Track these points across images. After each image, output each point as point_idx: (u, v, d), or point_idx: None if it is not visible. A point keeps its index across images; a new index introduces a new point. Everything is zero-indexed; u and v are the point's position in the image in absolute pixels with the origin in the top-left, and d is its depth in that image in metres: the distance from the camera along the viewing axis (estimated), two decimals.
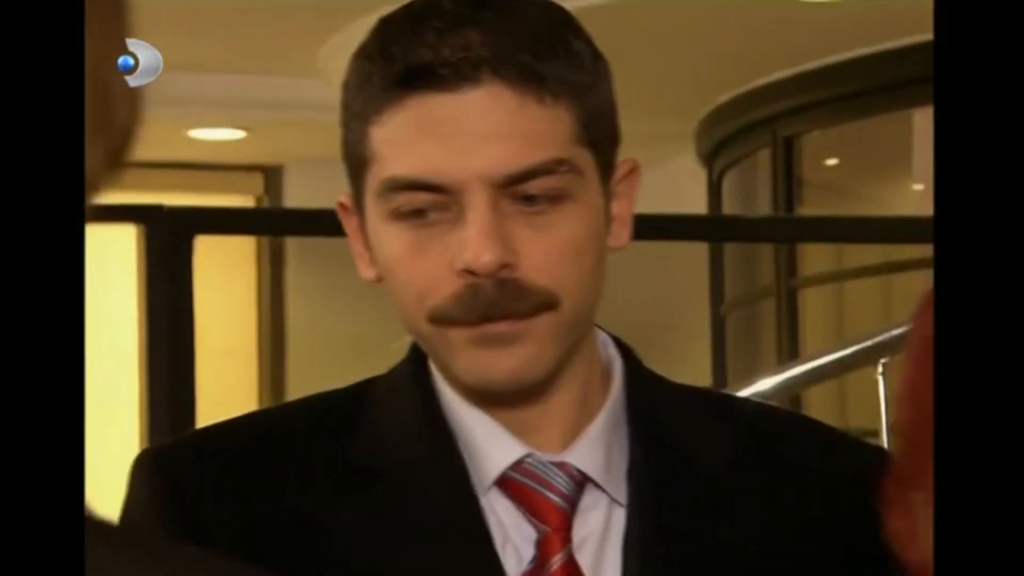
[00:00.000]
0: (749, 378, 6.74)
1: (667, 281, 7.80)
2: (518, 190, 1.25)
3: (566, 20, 1.30)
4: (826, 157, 7.61)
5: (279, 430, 1.37)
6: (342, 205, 1.34)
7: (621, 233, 1.33)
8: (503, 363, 1.26)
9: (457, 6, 1.26)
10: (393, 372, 1.37)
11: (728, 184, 7.86)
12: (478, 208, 1.24)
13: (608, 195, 1.31)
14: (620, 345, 1.38)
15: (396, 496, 1.31)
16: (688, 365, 7.69)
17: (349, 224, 1.34)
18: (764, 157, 7.42)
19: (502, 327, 1.25)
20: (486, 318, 1.25)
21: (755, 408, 1.52)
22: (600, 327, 1.36)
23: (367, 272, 1.33)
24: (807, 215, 7.24)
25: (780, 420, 1.47)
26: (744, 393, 2.90)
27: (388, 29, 1.28)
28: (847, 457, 1.40)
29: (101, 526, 0.67)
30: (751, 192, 7.66)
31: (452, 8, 1.26)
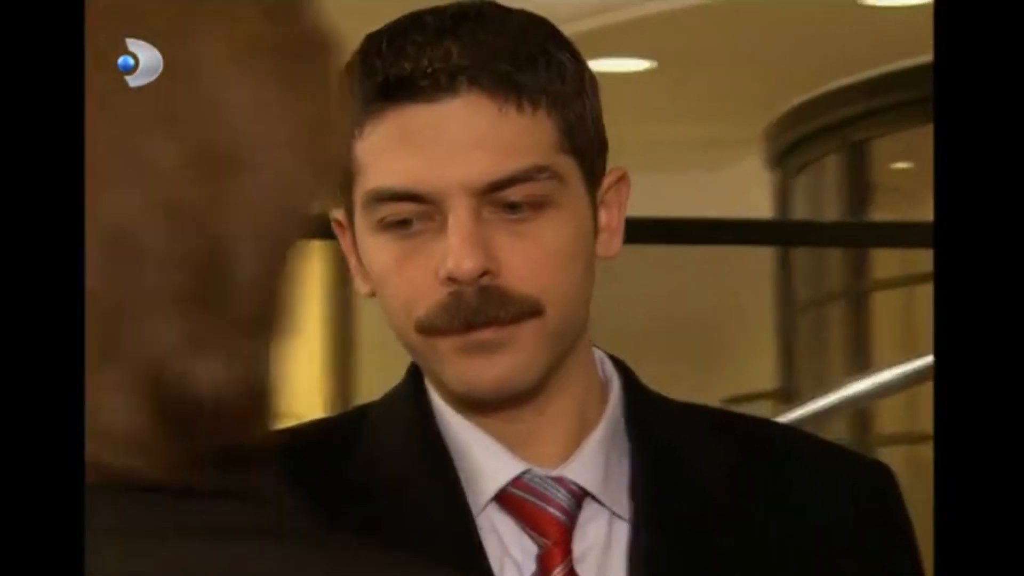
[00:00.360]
0: (817, 381, 6.70)
1: (734, 286, 7.77)
2: (499, 197, 1.26)
3: (548, 31, 1.31)
4: (896, 161, 7.57)
5: (279, 452, 1.37)
6: (336, 221, 1.35)
7: (610, 242, 1.34)
8: (490, 371, 1.27)
9: (438, 20, 1.28)
10: (392, 391, 1.38)
11: (797, 188, 7.83)
12: (459, 216, 1.25)
13: (595, 204, 1.32)
14: (617, 363, 1.38)
15: (390, 512, 1.31)
16: (754, 370, 7.67)
17: (344, 240, 1.35)
18: (833, 161, 7.39)
19: (487, 335, 1.26)
20: (470, 326, 1.25)
21: (752, 422, 1.51)
22: (597, 346, 1.37)
23: (363, 287, 1.34)
24: (877, 220, 7.21)
25: (778, 433, 1.48)
26: (821, 402, 2.89)
27: (371, 44, 1.29)
28: (846, 469, 1.41)
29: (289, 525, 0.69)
30: (820, 196, 7.63)
31: (433, 22, 1.28)
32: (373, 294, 1.32)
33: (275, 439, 1.38)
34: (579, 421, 1.33)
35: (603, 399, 1.35)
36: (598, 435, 1.33)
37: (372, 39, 1.29)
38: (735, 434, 1.40)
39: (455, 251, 1.24)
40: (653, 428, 1.35)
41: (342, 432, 1.37)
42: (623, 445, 1.34)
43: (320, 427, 1.41)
